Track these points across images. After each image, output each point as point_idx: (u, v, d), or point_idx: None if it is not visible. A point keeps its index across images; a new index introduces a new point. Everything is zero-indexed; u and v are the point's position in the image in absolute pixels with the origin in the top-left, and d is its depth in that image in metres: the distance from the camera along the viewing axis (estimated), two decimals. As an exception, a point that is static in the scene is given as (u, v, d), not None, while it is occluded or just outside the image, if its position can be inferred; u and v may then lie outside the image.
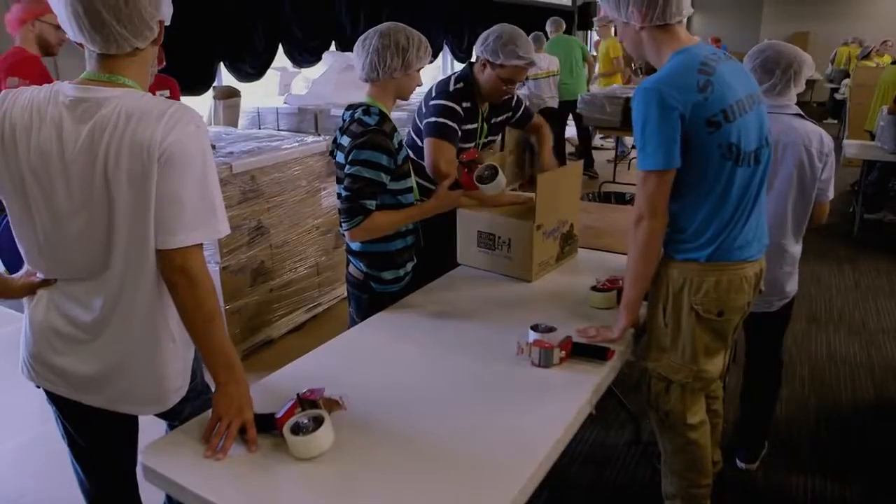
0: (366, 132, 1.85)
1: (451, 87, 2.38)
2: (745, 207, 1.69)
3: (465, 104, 2.36)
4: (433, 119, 2.33)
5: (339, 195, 1.92)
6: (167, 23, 1.32)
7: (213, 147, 3.39)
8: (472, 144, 2.45)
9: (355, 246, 2.02)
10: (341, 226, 1.90)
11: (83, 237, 1.28)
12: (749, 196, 1.69)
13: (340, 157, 1.93)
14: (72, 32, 1.24)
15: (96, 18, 1.20)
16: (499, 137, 2.65)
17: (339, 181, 1.94)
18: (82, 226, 1.27)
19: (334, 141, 1.99)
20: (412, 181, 2.03)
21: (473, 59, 2.44)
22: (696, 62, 1.58)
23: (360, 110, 1.91)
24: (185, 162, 1.23)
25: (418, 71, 1.97)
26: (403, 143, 2.00)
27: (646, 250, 1.68)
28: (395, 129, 1.93)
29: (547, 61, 6.59)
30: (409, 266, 2.09)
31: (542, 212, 2.09)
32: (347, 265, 2.12)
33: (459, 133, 2.36)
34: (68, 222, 1.28)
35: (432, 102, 2.36)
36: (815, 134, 2.11)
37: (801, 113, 2.14)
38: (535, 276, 2.13)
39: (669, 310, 1.75)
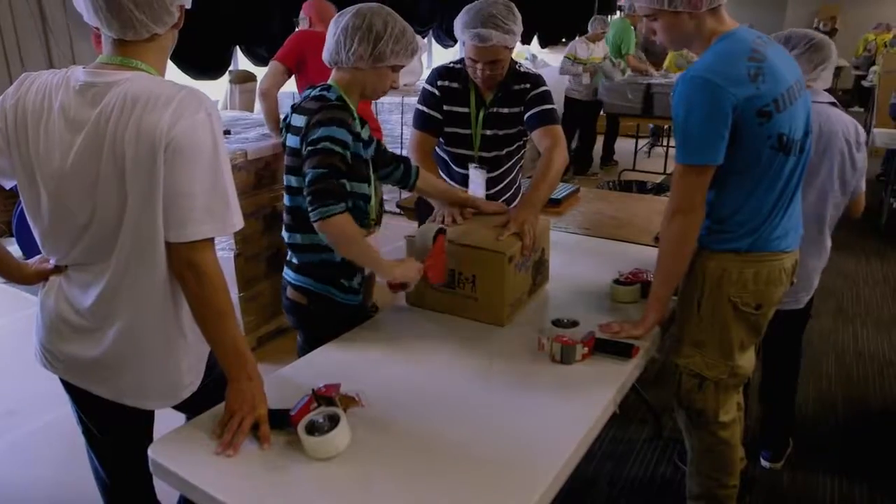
0: (327, 107, 1.58)
1: (443, 66, 2.23)
2: (786, 197, 1.63)
3: (447, 83, 2.17)
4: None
5: (288, 188, 1.68)
6: (188, 6, 1.27)
7: (229, 132, 3.35)
8: (468, 132, 2.19)
9: (297, 258, 1.74)
10: (312, 214, 1.53)
11: (90, 226, 1.25)
12: (791, 186, 1.63)
13: (293, 140, 1.64)
14: (87, 14, 1.21)
15: (113, 2, 1.16)
16: (520, 141, 2.26)
17: (289, 171, 1.67)
18: (89, 214, 1.24)
19: (284, 119, 1.70)
20: (369, 190, 1.71)
21: None
22: (745, 48, 1.50)
23: (318, 88, 1.66)
24: (194, 152, 1.18)
25: (394, 69, 1.65)
26: (369, 141, 1.74)
27: (679, 246, 1.61)
28: (359, 125, 1.67)
29: (599, 49, 6.22)
30: (361, 277, 1.79)
31: (513, 241, 1.75)
32: (284, 291, 1.80)
33: (440, 116, 2.18)
34: (76, 210, 1.24)
35: None
36: (852, 124, 2.06)
37: (836, 102, 2.07)
38: (507, 319, 1.76)
39: (705, 304, 1.68)
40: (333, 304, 1.76)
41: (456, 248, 1.75)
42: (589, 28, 6.34)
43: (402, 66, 1.68)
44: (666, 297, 1.69)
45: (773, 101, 1.49)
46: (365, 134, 1.71)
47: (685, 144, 1.53)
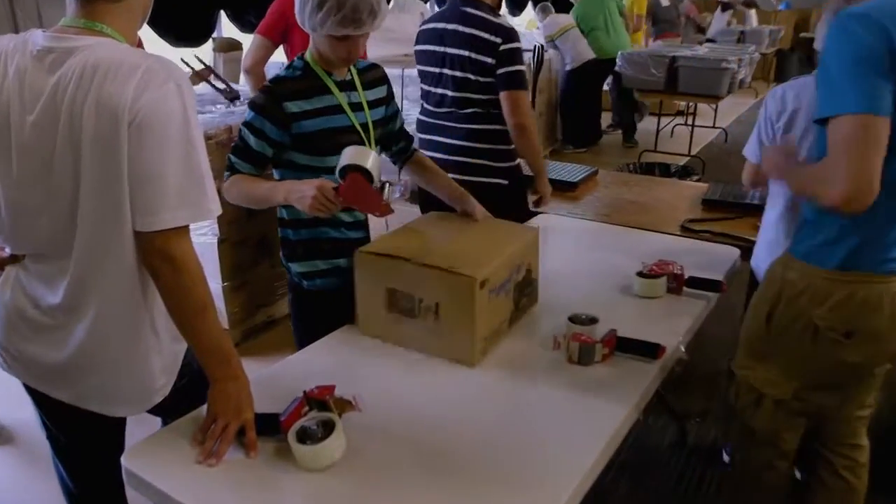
0: (260, 89, 1.74)
1: (507, 25, 2.32)
2: None
3: None
4: (512, 69, 2.29)
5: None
6: None
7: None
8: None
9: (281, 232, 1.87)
10: None
11: (45, 209, 1.21)
12: None
13: None
14: None
15: None
16: None
17: None
18: (43, 196, 1.20)
19: None
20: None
21: None
22: None
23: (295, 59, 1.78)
24: (163, 128, 1.14)
25: (339, 39, 1.61)
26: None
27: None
28: (316, 90, 1.69)
29: (560, 20, 6.63)
30: (338, 262, 1.81)
31: (486, 260, 1.53)
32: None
33: None
34: (29, 190, 1.21)
35: (506, 47, 2.28)
36: None
37: None
38: (479, 357, 1.53)
39: (778, 317, 1.54)
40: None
41: (415, 268, 1.52)
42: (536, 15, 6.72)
43: (346, 37, 1.61)
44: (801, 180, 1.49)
45: None
46: (313, 104, 1.69)
47: (833, 91, 1.29)
